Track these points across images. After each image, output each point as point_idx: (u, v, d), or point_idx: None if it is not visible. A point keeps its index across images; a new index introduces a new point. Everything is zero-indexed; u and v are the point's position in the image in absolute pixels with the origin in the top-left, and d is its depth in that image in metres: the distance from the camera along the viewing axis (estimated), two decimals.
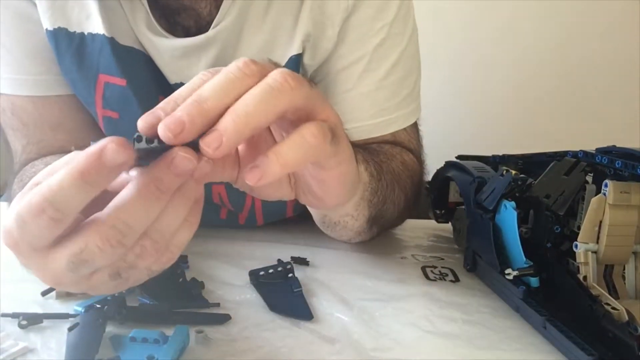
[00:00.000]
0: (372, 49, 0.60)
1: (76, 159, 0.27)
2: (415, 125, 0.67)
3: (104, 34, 0.54)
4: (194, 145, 0.29)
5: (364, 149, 0.57)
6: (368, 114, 0.62)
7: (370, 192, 0.52)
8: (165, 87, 0.58)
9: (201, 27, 0.57)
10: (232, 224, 0.67)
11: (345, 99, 0.62)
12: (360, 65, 0.61)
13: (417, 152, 0.67)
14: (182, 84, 0.57)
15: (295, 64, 0.58)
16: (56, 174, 0.27)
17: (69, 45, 0.55)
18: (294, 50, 0.58)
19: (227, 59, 0.58)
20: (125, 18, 0.55)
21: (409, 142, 0.65)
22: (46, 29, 0.55)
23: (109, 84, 0.56)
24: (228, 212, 0.67)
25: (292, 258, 0.58)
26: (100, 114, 0.58)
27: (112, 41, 0.54)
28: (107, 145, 0.26)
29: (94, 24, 0.55)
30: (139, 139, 0.28)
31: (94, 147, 0.27)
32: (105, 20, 0.54)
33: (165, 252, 0.32)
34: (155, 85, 0.57)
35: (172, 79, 0.58)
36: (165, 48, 0.56)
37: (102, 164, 0.26)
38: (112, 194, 0.30)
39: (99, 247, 0.29)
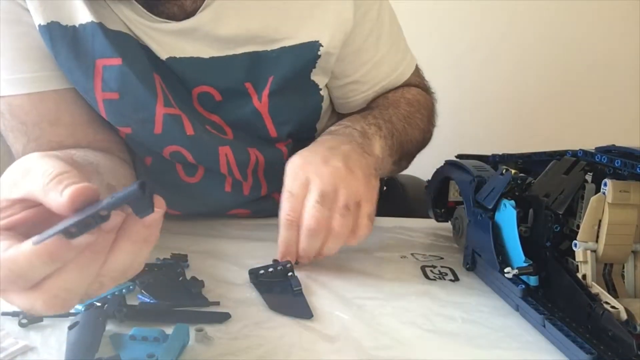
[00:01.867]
0: (375, 18, 0.68)
1: (45, 241, 0.29)
2: (417, 65, 0.79)
3: (92, 21, 0.56)
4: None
5: (376, 110, 0.69)
6: (390, 69, 0.73)
7: (389, 149, 0.64)
8: (157, 64, 0.61)
9: (186, 15, 0.59)
10: (237, 198, 0.69)
11: (371, 67, 0.71)
12: (372, 37, 0.69)
13: (423, 86, 0.79)
14: (173, 58, 0.60)
15: (309, 49, 0.63)
16: (25, 246, 0.30)
17: (63, 37, 0.57)
18: (309, 37, 0.63)
19: (217, 36, 0.60)
20: (110, 8, 0.58)
21: (416, 80, 0.77)
22: (39, 25, 0.56)
23: (106, 67, 0.58)
24: (233, 183, 0.68)
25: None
26: (100, 98, 0.59)
27: (101, 25, 0.57)
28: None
29: (83, 15, 0.57)
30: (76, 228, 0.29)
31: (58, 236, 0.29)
32: (91, 9, 0.56)
33: (129, 271, 0.33)
34: (148, 62, 0.60)
35: (163, 54, 0.60)
36: (152, 28, 0.59)
37: (71, 247, 0.29)
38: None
39: (45, 310, 0.31)
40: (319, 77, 0.67)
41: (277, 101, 0.64)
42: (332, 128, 0.63)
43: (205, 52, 0.61)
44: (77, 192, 0.30)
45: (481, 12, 1.49)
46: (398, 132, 0.66)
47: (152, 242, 0.33)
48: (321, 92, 0.68)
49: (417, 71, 0.79)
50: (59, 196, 0.30)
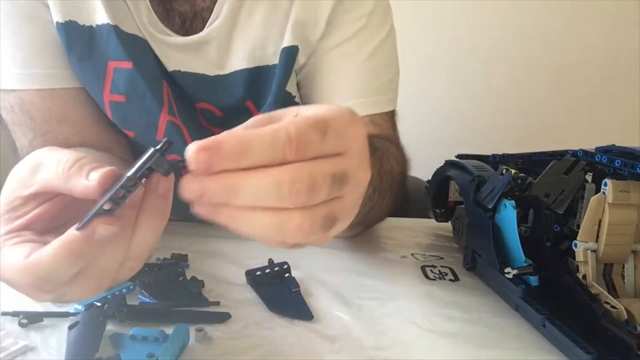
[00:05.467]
0: (352, 34, 0.64)
1: (67, 236, 0.29)
2: (392, 115, 0.69)
3: (108, 23, 0.57)
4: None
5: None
6: (348, 94, 0.65)
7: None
8: (166, 72, 0.61)
9: (196, 12, 0.61)
10: None
11: (327, 80, 0.66)
12: (341, 49, 0.65)
13: (394, 139, 0.68)
14: (179, 72, 0.61)
15: (287, 55, 0.62)
16: (47, 250, 0.29)
17: (80, 37, 0.58)
18: (286, 42, 0.62)
19: (222, 54, 0.62)
20: (128, 9, 0.59)
21: (386, 128, 0.67)
22: (57, 22, 0.57)
23: (117, 69, 0.59)
24: None
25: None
26: (107, 99, 0.60)
27: (116, 28, 0.58)
28: (99, 226, 0.29)
29: (100, 16, 0.58)
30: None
31: (86, 230, 0.29)
32: (109, 10, 0.57)
33: (150, 250, 0.33)
34: (158, 69, 0.61)
35: (170, 67, 0.61)
36: (164, 41, 0.60)
37: (94, 243, 0.29)
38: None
39: (76, 299, 0.32)
40: (290, 85, 0.65)
41: None
42: None
43: (211, 70, 0.62)
44: (106, 175, 0.30)
45: (482, 12, 1.49)
46: (374, 196, 0.56)
47: (167, 215, 0.32)
48: (296, 100, 0.67)
49: (392, 122, 0.69)
50: (84, 180, 0.30)
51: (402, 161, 0.65)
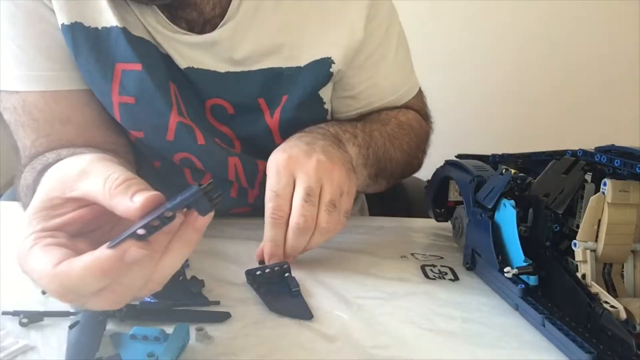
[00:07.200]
0: (381, 38, 0.69)
1: (99, 253, 0.30)
2: (419, 92, 0.78)
3: (116, 25, 0.58)
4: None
5: (359, 122, 0.68)
6: (390, 91, 0.73)
7: (363, 158, 0.63)
8: (174, 73, 0.62)
9: (205, 20, 0.61)
10: (241, 202, 0.70)
11: (370, 85, 0.71)
12: (376, 56, 0.69)
13: (423, 112, 0.79)
14: (191, 69, 0.62)
15: (322, 66, 0.64)
16: (77, 263, 0.31)
17: (86, 39, 0.58)
18: (319, 53, 0.64)
19: (234, 52, 0.62)
20: (134, 13, 0.59)
21: (417, 105, 0.77)
22: (62, 24, 0.57)
23: (125, 71, 0.59)
24: (239, 189, 0.69)
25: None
26: (116, 101, 0.60)
27: (124, 30, 0.58)
28: (131, 248, 0.30)
29: (107, 19, 0.58)
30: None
31: (118, 250, 0.30)
32: (116, 13, 0.58)
33: (171, 274, 0.35)
34: (166, 70, 0.61)
35: (182, 64, 0.62)
36: (175, 39, 0.61)
37: (123, 263, 0.30)
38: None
39: (96, 307, 0.34)
40: (324, 91, 0.67)
41: (288, 119, 0.65)
42: (306, 129, 0.63)
43: (222, 67, 0.62)
44: (149, 200, 0.31)
45: (481, 11, 1.49)
46: (376, 146, 0.66)
47: (195, 246, 0.34)
48: (325, 106, 0.69)
49: (420, 96, 0.78)
50: (128, 201, 0.31)
51: (415, 125, 0.74)
